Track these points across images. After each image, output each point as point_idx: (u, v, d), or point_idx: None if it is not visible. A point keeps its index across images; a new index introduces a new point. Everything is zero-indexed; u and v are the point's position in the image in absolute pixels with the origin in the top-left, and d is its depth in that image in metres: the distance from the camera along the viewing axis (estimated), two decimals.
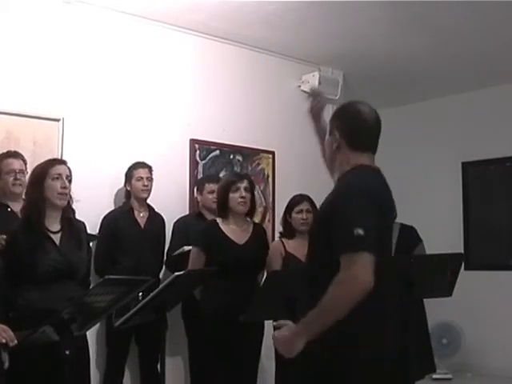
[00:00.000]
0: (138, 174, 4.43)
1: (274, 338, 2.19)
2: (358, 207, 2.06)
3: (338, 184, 2.28)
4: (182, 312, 4.53)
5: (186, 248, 4.22)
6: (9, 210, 3.75)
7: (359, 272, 1.96)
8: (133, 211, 4.45)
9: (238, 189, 3.93)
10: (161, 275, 4.53)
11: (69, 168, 3.14)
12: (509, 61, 5.77)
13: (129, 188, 4.47)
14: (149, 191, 4.47)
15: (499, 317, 6.25)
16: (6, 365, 2.54)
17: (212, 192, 4.58)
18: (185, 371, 4.74)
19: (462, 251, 6.11)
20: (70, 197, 3.11)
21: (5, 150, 3.94)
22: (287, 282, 3.11)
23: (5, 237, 3.22)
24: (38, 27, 4.36)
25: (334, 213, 2.10)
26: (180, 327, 4.53)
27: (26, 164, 3.84)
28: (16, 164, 3.80)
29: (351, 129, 2.24)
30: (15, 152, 3.90)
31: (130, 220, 4.41)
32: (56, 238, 3.05)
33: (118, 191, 4.64)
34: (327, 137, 2.32)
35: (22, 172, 3.80)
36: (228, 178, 4.15)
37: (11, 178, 3.77)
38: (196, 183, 4.96)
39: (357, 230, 1.99)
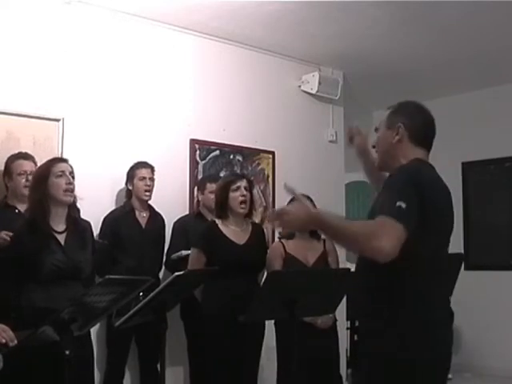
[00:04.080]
0: (140, 174, 4.42)
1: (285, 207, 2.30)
2: (404, 186, 2.09)
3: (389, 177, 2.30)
4: (180, 312, 4.53)
5: (184, 253, 4.22)
6: (16, 211, 3.74)
7: (387, 241, 1.97)
8: (134, 211, 4.45)
9: (238, 188, 3.92)
10: (161, 275, 4.53)
11: (71, 166, 3.14)
12: (509, 61, 5.77)
13: (130, 187, 4.47)
14: (151, 192, 4.46)
15: (499, 317, 6.25)
16: (0, 365, 2.53)
17: (213, 191, 4.58)
18: (184, 371, 4.74)
19: (462, 251, 6.12)
20: (75, 196, 3.11)
21: (16, 151, 3.95)
22: (287, 282, 3.11)
23: (10, 233, 3.21)
24: (38, 27, 4.36)
25: (383, 193, 2.17)
26: (180, 327, 4.53)
27: (36, 165, 3.80)
28: (27, 165, 3.78)
29: (418, 124, 2.33)
30: (26, 153, 3.90)
31: (130, 220, 4.41)
32: (61, 238, 3.05)
33: (119, 191, 4.64)
34: (383, 130, 2.36)
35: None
36: (226, 177, 4.14)
37: (23, 180, 3.75)
38: (197, 183, 4.96)
39: (400, 202, 2.01)
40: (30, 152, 3.98)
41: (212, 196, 4.57)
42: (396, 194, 2.06)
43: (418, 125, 2.33)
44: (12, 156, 3.89)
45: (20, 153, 3.91)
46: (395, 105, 2.41)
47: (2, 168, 4.02)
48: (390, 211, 2.01)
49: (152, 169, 4.49)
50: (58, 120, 4.41)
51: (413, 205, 2.03)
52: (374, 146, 2.41)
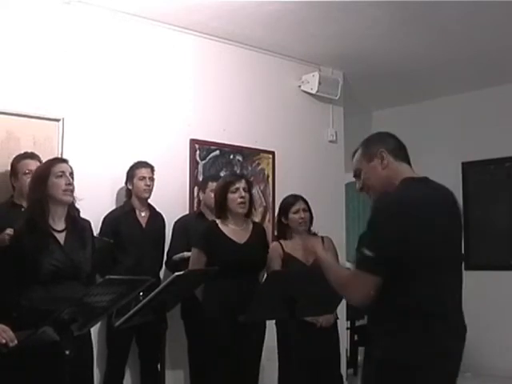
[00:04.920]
0: (140, 174, 4.43)
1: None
2: (377, 228, 2.22)
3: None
4: (181, 312, 4.53)
5: (187, 254, 4.20)
6: (23, 209, 3.74)
7: (355, 293, 2.26)
8: (134, 211, 4.45)
9: (237, 189, 3.92)
10: (161, 275, 4.53)
11: (70, 166, 3.14)
12: (509, 61, 5.77)
13: (130, 187, 4.47)
14: (150, 191, 4.46)
15: (499, 317, 6.25)
16: None
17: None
18: (185, 371, 4.74)
19: (462, 251, 6.11)
20: (74, 196, 3.11)
21: (15, 151, 3.96)
22: (287, 281, 3.11)
23: (11, 232, 3.21)
24: (37, 27, 4.36)
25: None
26: (180, 327, 4.53)
27: None
28: (33, 165, 3.78)
29: (393, 145, 2.42)
30: (32, 153, 3.91)
31: (131, 220, 4.41)
32: (60, 237, 3.05)
33: (119, 191, 4.64)
34: (366, 168, 2.42)
35: None
36: (225, 178, 4.15)
37: (28, 179, 3.74)
38: (199, 182, 4.96)
39: (367, 252, 2.18)
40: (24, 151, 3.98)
41: (213, 195, 4.57)
42: (366, 242, 2.20)
43: (393, 144, 2.42)
44: (18, 156, 3.91)
45: (26, 153, 3.93)
46: (361, 145, 2.48)
47: (3, 168, 4.04)
48: (359, 264, 2.20)
49: (152, 168, 4.49)
50: (58, 120, 4.41)
51: (383, 247, 2.16)
52: (361, 189, 2.45)
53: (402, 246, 2.15)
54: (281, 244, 4.13)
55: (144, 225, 4.45)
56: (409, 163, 2.43)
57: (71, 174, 3.10)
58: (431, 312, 2.21)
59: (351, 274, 2.30)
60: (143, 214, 4.48)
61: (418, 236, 2.18)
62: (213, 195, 4.52)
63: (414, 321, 2.18)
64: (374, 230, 2.22)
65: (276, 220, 4.29)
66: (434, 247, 2.23)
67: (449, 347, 2.28)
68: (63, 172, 3.06)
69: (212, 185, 4.62)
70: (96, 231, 4.19)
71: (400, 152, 2.41)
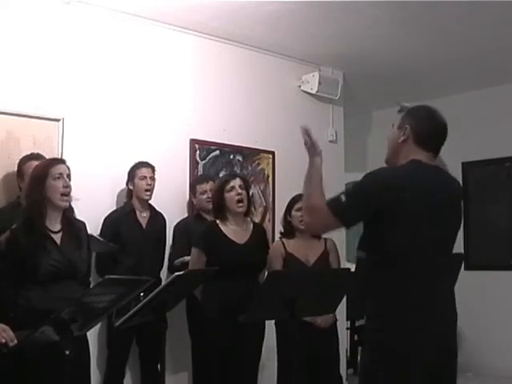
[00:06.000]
0: (141, 173, 4.43)
1: None
2: (359, 185, 2.33)
3: None
4: (186, 312, 4.52)
5: (187, 258, 4.20)
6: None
7: (312, 220, 2.39)
8: (134, 211, 4.44)
9: (232, 188, 3.93)
10: (161, 275, 4.53)
11: (68, 167, 3.14)
12: (509, 61, 5.77)
13: (131, 187, 4.47)
14: (151, 191, 4.46)
15: (499, 317, 6.25)
16: None
17: (204, 192, 4.60)
18: (185, 371, 4.74)
19: (462, 251, 6.11)
20: (71, 197, 3.11)
21: (15, 151, 3.96)
22: (287, 281, 3.11)
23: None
24: (37, 27, 4.36)
25: None
26: (180, 327, 4.52)
27: None
28: None
29: (423, 128, 2.43)
30: (38, 154, 3.91)
31: (131, 220, 4.41)
32: (57, 238, 3.06)
33: (120, 191, 4.64)
34: (393, 129, 2.48)
35: None
36: (221, 178, 4.17)
37: None
38: (190, 186, 4.95)
39: (342, 195, 2.30)
40: (30, 152, 3.98)
41: (204, 197, 4.59)
42: (346, 188, 2.35)
43: (423, 129, 2.43)
44: (24, 157, 3.92)
45: (32, 154, 3.93)
46: (409, 107, 2.54)
47: (3, 168, 4.04)
48: (332, 202, 2.30)
49: (153, 168, 4.49)
50: (58, 120, 4.41)
51: (355, 202, 2.29)
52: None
53: (378, 207, 2.25)
54: (283, 243, 4.13)
55: (144, 225, 4.45)
56: (433, 153, 2.43)
57: (68, 175, 3.10)
58: (418, 297, 2.25)
59: (321, 204, 2.31)
60: (143, 215, 4.48)
61: (400, 210, 2.25)
62: (204, 197, 4.54)
63: (400, 305, 2.24)
64: (357, 185, 2.33)
65: (282, 216, 4.29)
66: (420, 228, 2.28)
67: (435, 333, 2.28)
68: (61, 174, 3.06)
69: (200, 187, 4.65)
70: (96, 232, 4.20)
71: (425, 139, 2.41)
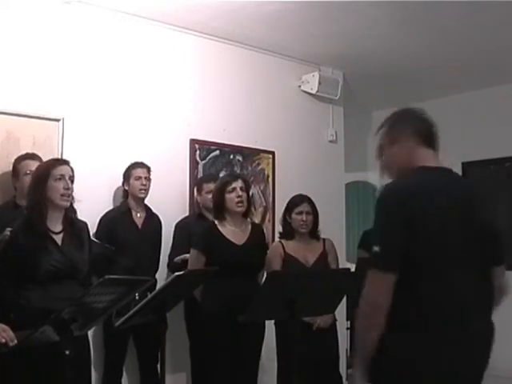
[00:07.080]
0: (136, 174, 4.42)
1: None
2: (383, 221, 2.13)
3: None
4: (184, 312, 4.52)
5: (187, 256, 4.20)
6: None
7: (373, 294, 2.08)
8: (130, 211, 4.44)
9: (233, 189, 3.93)
10: (157, 276, 4.52)
11: (71, 168, 3.14)
12: (509, 61, 5.77)
13: (127, 187, 4.47)
14: (147, 191, 4.46)
15: (499, 317, 6.23)
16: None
17: (210, 191, 4.59)
18: (184, 371, 4.74)
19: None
20: (72, 197, 3.11)
21: (15, 151, 3.97)
22: (287, 282, 3.11)
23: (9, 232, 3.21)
24: (37, 27, 4.36)
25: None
26: (180, 327, 4.53)
27: None
28: (34, 166, 3.75)
29: (420, 129, 2.33)
30: (33, 154, 3.92)
31: (127, 220, 4.40)
32: (58, 239, 3.06)
33: (118, 191, 4.64)
34: (388, 148, 2.35)
35: None
36: (222, 179, 4.17)
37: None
38: (195, 184, 4.96)
39: (375, 247, 2.08)
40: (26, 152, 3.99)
41: (209, 196, 4.58)
42: (374, 238, 2.12)
43: (422, 129, 2.34)
44: (19, 157, 3.92)
45: (27, 153, 3.94)
46: (387, 121, 2.41)
47: (3, 168, 4.04)
48: (372, 263, 2.09)
49: (148, 169, 4.49)
50: (58, 120, 4.41)
51: (389, 240, 2.09)
52: (382, 168, 2.38)
53: (407, 234, 2.05)
54: (282, 244, 4.13)
55: (140, 226, 4.44)
56: (435, 149, 2.33)
57: (71, 177, 3.10)
58: (432, 313, 2.15)
59: (366, 282, 2.09)
60: (139, 215, 4.47)
61: (422, 228, 2.08)
62: (209, 197, 4.54)
63: (414, 320, 2.13)
64: (378, 224, 2.13)
65: (281, 217, 4.29)
66: (442, 243, 2.13)
67: (444, 350, 2.20)
68: (63, 175, 3.06)
69: (207, 186, 4.63)
70: (93, 232, 4.20)
71: (426, 135, 2.32)
